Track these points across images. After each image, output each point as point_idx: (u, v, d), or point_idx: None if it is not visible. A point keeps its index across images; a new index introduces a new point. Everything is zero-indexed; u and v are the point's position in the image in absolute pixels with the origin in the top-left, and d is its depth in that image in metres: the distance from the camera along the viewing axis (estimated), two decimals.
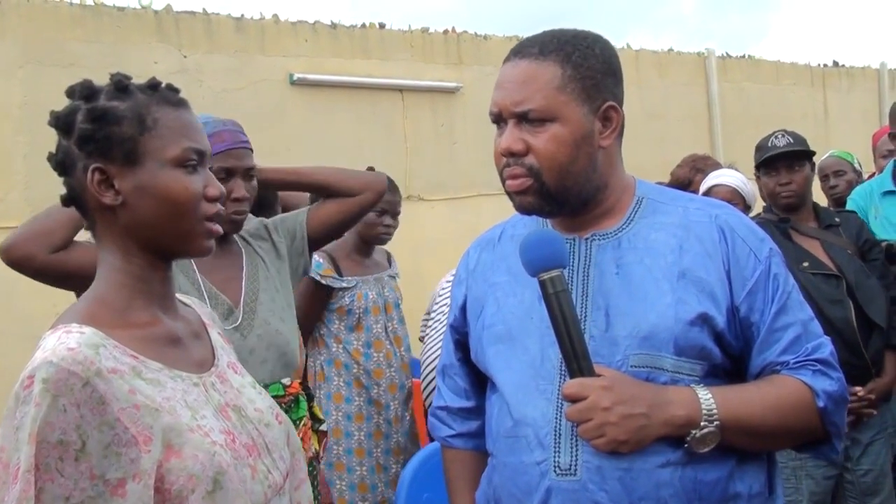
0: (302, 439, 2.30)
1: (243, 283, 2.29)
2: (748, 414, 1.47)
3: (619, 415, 1.41)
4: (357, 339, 3.52)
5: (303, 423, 2.33)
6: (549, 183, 1.51)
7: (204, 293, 2.22)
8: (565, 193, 1.53)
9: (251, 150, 2.35)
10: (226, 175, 2.24)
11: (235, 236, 2.39)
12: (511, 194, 1.56)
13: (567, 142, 1.50)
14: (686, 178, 4.18)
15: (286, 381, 2.28)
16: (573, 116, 1.50)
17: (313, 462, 2.41)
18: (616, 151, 1.60)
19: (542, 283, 1.45)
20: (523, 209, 1.57)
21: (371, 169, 2.89)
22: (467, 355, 1.73)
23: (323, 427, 2.56)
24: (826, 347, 1.55)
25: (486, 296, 1.67)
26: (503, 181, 1.56)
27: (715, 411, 1.44)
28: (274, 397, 2.19)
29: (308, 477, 1.58)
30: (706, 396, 1.45)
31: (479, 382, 1.73)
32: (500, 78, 1.56)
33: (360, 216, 2.60)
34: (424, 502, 2.68)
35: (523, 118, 1.51)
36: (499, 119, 1.56)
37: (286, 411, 2.26)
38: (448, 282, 3.40)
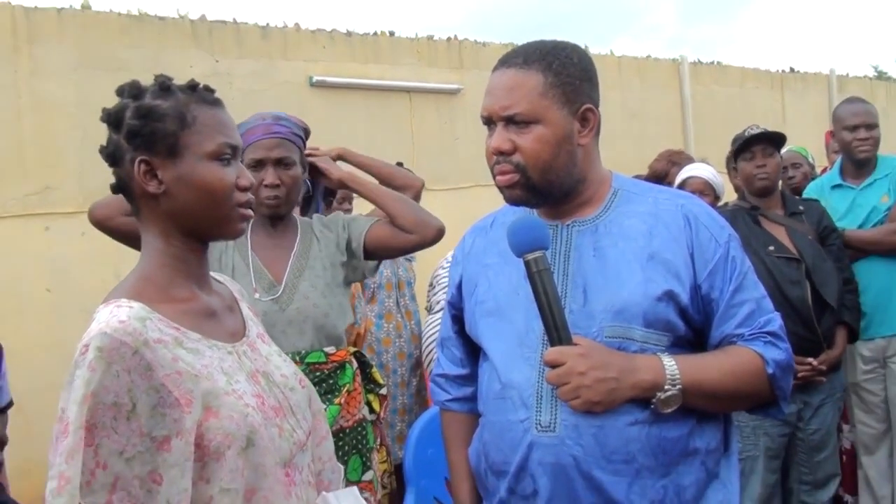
0: (348, 403, 2.27)
1: (290, 260, 2.26)
2: (707, 379, 1.48)
3: (593, 379, 1.42)
4: (371, 310, 3.57)
5: (345, 388, 2.26)
6: (534, 178, 1.52)
7: (250, 268, 2.22)
8: (549, 187, 1.54)
9: (289, 139, 2.26)
10: (256, 164, 2.21)
11: (299, 220, 2.36)
12: (501, 188, 1.57)
13: (550, 141, 1.51)
14: (663, 171, 4.17)
15: (330, 349, 2.25)
16: (555, 119, 1.51)
17: (363, 423, 2.35)
18: (594, 148, 1.61)
19: (527, 263, 1.46)
20: (512, 201, 1.58)
21: (407, 170, 2.83)
22: (463, 329, 1.74)
23: (383, 391, 2.51)
24: (776, 321, 1.56)
25: (479, 276, 1.68)
26: (494, 177, 1.57)
27: (678, 376, 1.46)
28: (315, 363, 2.21)
29: (330, 434, 1.57)
30: (670, 363, 1.47)
31: (474, 353, 1.74)
32: (489, 85, 1.56)
33: (407, 251, 2.44)
34: (429, 457, 2.69)
35: (510, 121, 1.51)
36: (489, 122, 1.56)
37: (328, 377, 2.24)
38: (446, 264, 3.42)
